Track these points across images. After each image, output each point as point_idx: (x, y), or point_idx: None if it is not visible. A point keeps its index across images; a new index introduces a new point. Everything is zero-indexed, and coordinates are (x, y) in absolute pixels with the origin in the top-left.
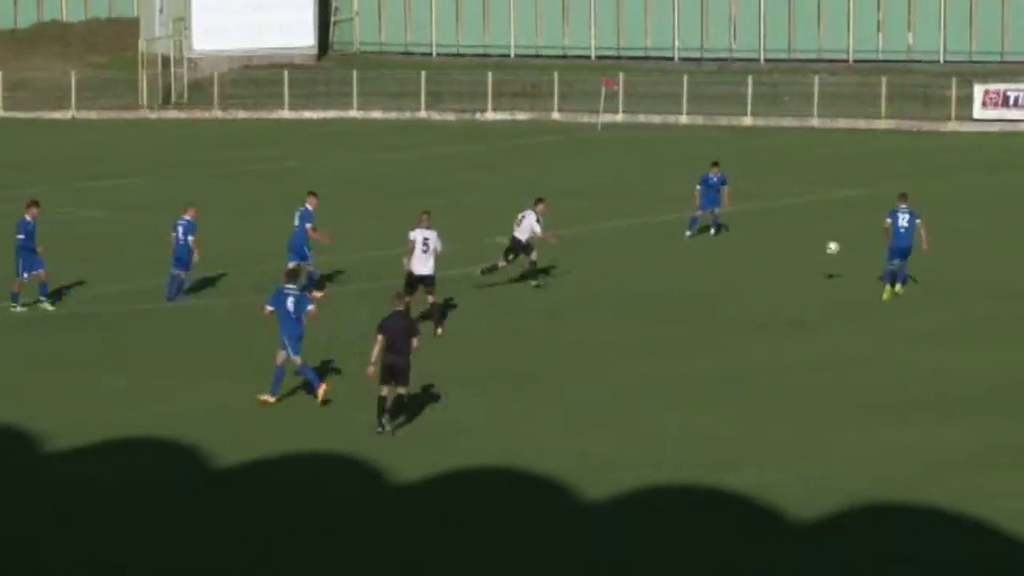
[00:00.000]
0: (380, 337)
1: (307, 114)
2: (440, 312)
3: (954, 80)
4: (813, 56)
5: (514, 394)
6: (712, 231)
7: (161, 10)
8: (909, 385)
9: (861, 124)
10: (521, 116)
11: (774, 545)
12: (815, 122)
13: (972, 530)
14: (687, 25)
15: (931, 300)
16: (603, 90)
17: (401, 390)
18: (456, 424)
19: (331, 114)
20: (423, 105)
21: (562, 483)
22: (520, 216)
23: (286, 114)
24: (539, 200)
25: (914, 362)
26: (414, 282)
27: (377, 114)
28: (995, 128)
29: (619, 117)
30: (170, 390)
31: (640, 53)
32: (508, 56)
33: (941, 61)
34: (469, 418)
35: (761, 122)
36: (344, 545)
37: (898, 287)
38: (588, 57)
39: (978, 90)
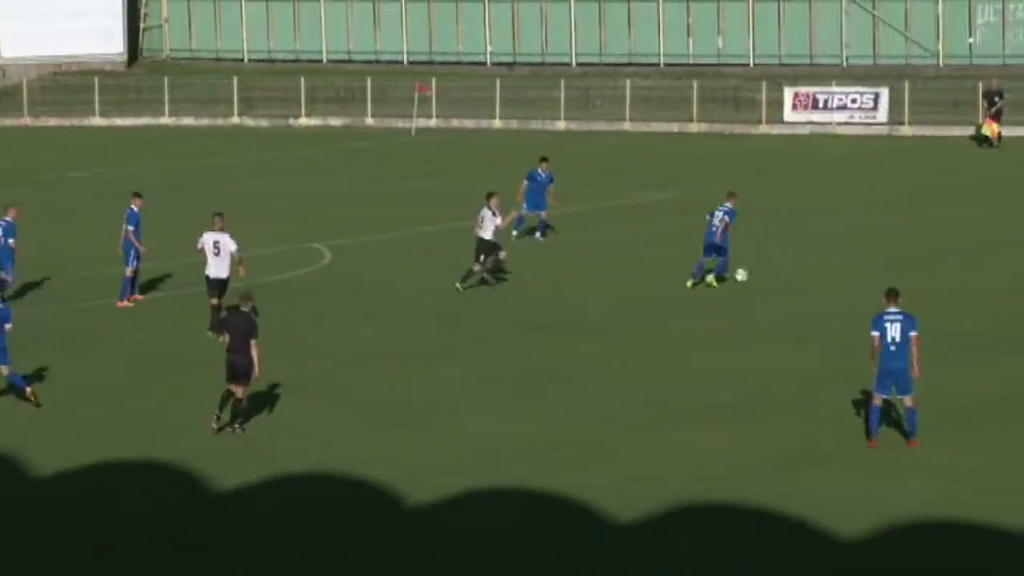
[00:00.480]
0: (226, 335)
1: (119, 121)
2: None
3: (764, 83)
4: (624, 60)
5: (336, 400)
6: (539, 235)
7: None
8: (718, 387)
9: (674, 128)
10: (335, 122)
11: (597, 546)
12: (627, 126)
13: (796, 529)
14: (499, 30)
15: (742, 300)
16: (416, 95)
17: (239, 392)
18: (280, 430)
19: (143, 121)
20: (236, 111)
21: (385, 488)
22: (479, 217)
23: (98, 121)
24: (491, 194)
25: (722, 364)
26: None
27: (189, 121)
28: (805, 131)
29: (433, 122)
30: None
31: (453, 58)
32: (320, 61)
33: (751, 64)
34: (293, 423)
35: (574, 126)
36: (162, 552)
37: (711, 278)
38: (401, 62)
39: (788, 93)
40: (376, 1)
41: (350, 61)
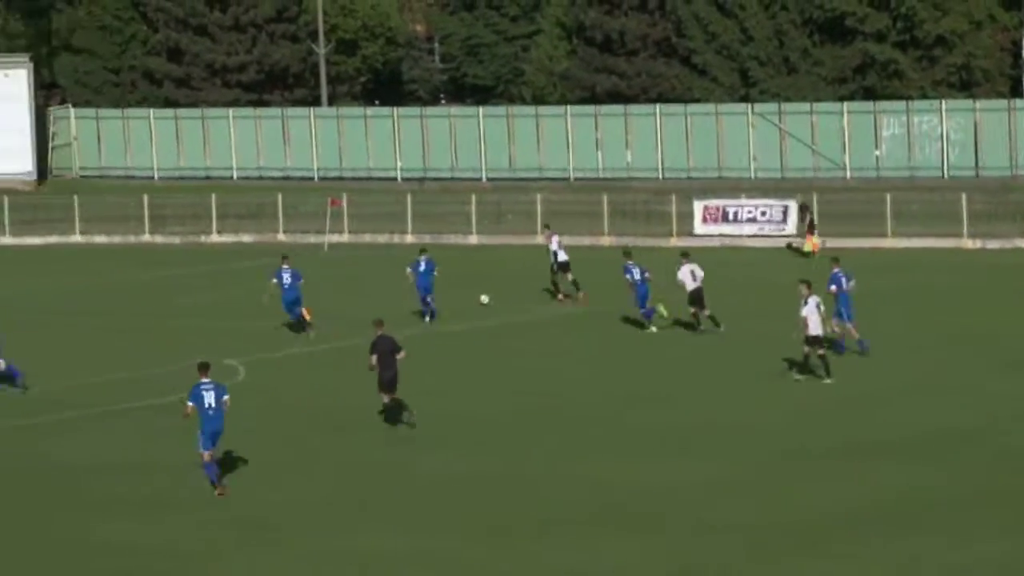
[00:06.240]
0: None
1: (29, 240)
2: None
3: (674, 197)
4: (535, 175)
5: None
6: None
7: None
8: None
9: (585, 241)
10: (247, 238)
11: None
12: (539, 239)
13: None
14: (408, 144)
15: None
16: (328, 209)
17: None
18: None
19: (53, 239)
20: (147, 228)
21: None
22: (683, 273)
23: (8, 240)
24: (685, 253)
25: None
26: None
27: (100, 239)
28: (716, 243)
29: (345, 237)
30: None
31: (363, 173)
32: (231, 178)
33: (660, 178)
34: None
35: (486, 240)
36: None
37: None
38: (311, 179)
39: (698, 206)
40: (285, 118)
41: (260, 178)
